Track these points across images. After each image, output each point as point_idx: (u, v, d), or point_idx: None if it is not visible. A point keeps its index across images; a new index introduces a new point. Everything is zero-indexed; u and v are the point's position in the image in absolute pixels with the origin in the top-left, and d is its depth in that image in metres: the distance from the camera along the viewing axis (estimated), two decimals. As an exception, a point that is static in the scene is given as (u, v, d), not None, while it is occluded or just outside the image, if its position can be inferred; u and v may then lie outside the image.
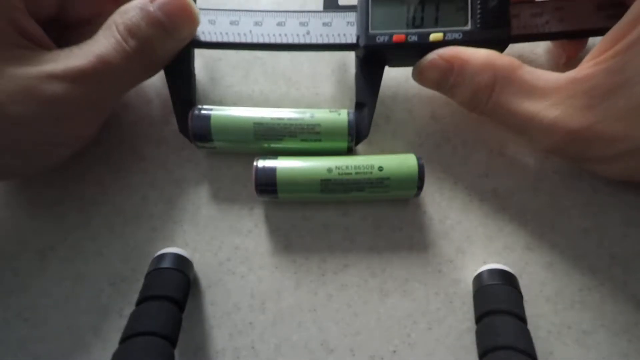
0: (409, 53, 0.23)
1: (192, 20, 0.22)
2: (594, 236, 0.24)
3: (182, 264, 0.22)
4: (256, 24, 0.23)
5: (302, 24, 0.23)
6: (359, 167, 0.22)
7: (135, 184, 0.25)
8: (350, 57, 0.28)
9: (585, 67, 0.19)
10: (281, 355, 0.22)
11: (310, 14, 0.23)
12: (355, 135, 0.23)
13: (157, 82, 0.26)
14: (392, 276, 0.24)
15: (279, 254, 0.24)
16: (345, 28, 0.23)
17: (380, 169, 0.22)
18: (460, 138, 0.26)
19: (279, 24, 0.23)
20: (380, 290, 0.23)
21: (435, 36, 0.22)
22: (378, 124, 0.26)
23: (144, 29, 0.21)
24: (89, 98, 0.21)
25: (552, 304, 0.23)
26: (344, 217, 0.24)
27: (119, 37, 0.20)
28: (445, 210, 0.24)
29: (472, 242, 0.24)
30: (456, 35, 0.22)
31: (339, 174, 0.22)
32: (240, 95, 0.27)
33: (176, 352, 0.19)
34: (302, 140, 0.23)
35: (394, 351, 0.22)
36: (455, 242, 0.24)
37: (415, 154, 0.23)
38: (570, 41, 0.24)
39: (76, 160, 0.25)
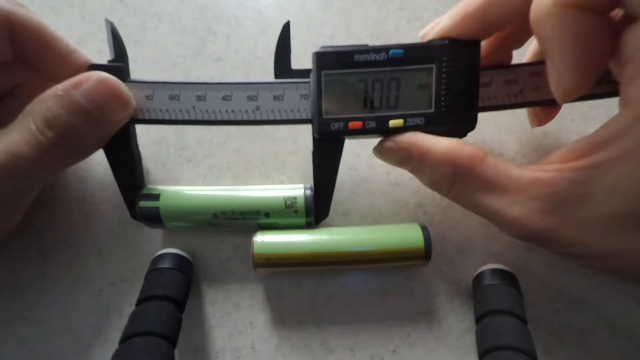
0: (369, 136, 0.21)
1: (123, 105, 0.20)
2: (594, 236, 0.24)
3: (182, 264, 0.22)
4: (199, 98, 0.21)
5: (250, 98, 0.21)
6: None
7: (135, 184, 0.25)
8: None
9: (550, 170, 0.18)
10: (281, 355, 0.22)
11: (259, 86, 0.21)
12: (314, 215, 0.22)
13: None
14: (392, 276, 0.24)
15: (279, 254, 0.24)
16: (298, 102, 0.21)
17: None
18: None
19: (224, 98, 0.21)
20: (380, 290, 0.23)
21: (394, 123, 0.20)
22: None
23: (65, 118, 0.19)
24: (1, 194, 0.19)
25: (552, 304, 0.23)
26: (344, 217, 0.24)
27: (34, 128, 0.18)
28: (445, 210, 0.24)
29: (472, 242, 0.24)
30: (418, 121, 0.20)
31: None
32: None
33: (176, 352, 0.19)
34: (259, 220, 0.22)
35: (394, 351, 0.22)
36: (455, 242, 0.24)
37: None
38: (544, 108, 0.23)
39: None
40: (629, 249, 0.17)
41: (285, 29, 0.22)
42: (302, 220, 0.22)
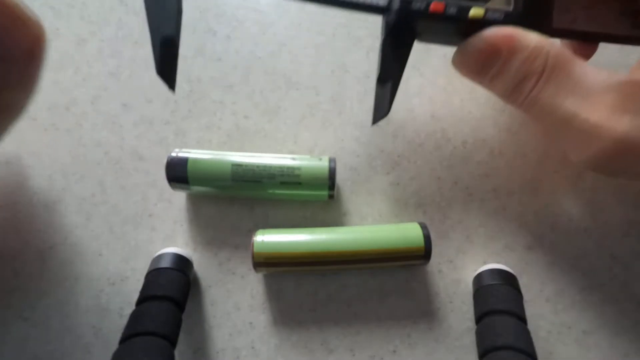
0: (444, 27, 0.20)
1: (19, 28, 0.16)
2: (594, 236, 0.24)
3: (182, 264, 0.22)
4: None
5: None
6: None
7: (135, 184, 0.25)
8: (351, 59, 0.28)
9: (636, 70, 0.17)
10: (281, 355, 0.22)
11: None
12: (375, 113, 0.22)
13: (158, 82, 0.26)
14: (392, 276, 0.24)
15: (279, 254, 0.24)
16: None
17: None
18: (460, 138, 0.26)
19: None
20: (380, 290, 0.23)
21: (475, 12, 0.19)
22: (379, 125, 0.26)
23: None
24: None
25: (552, 304, 0.23)
26: (344, 217, 0.24)
27: None
28: (445, 210, 0.24)
29: (472, 242, 0.24)
30: (497, 15, 0.20)
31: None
32: (240, 95, 0.27)
33: (176, 352, 0.19)
34: (282, 183, 0.22)
35: (394, 351, 0.22)
36: (455, 242, 0.24)
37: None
38: (581, 46, 0.23)
39: (76, 160, 0.25)
40: None
41: None
42: (325, 192, 0.23)
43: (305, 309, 0.23)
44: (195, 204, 0.25)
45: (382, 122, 0.26)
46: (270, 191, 0.23)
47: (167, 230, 0.24)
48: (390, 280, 0.23)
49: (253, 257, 0.21)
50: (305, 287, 0.23)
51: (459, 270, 0.23)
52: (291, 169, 0.22)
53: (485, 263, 0.23)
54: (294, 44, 0.28)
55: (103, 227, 0.24)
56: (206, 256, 0.24)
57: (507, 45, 0.19)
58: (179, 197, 0.25)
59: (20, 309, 0.23)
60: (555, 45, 0.18)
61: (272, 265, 0.21)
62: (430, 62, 0.27)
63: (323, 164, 0.23)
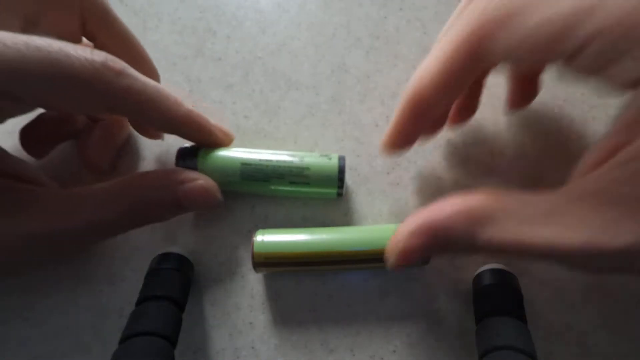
0: None
1: (212, 207, 0.22)
2: (594, 236, 0.24)
3: (182, 264, 0.22)
4: None
5: None
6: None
7: (135, 184, 0.25)
8: (351, 59, 0.28)
9: (592, 178, 0.16)
10: (281, 355, 0.22)
11: None
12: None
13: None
14: (392, 276, 0.24)
15: (279, 254, 0.24)
16: None
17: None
18: (461, 138, 0.26)
19: None
20: (380, 290, 0.23)
21: None
22: (378, 125, 0.26)
23: (161, 209, 0.20)
24: (63, 253, 0.21)
25: (552, 304, 0.23)
26: (344, 217, 0.24)
27: (127, 209, 0.20)
28: (445, 210, 0.24)
29: (472, 242, 0.24)
30: None
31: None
32: (240, 95, 0.27)
33: (176, 352, 0.19)
34: (291, 182, 0.22)
35: (394, 351, 0.22)
36: (455, 242, 0.24)
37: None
38: (523, 88, 0.23)
39: (76, 160, 0.25)
40: None
41: None
42: (334, 190, 0.23)
43: (305, 309, 0.23)
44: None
45: (382, 122, 0.26)
46: (279, 188, 0.23)
47: (167, 230, 0.24)
48: (390, 280, 0.23)
49: (253, 257, 0.21)
50: (305, 287, 0.23)
51: (459, 270, 0.23)
52: (300, 168, 0.22)
53: (485, 263, 0.23)
54: (294, 44, 0.28)
55: (103, 227, 0.24)
56: (206, 256, 0.24)
57: (432, 231, 0.17)
58: (179, 197, 0.25)
59: (20, 309, 0.23)
60: (472, 197, 0.17)
61: (272, 265, 0.21)
62: (430, 62, 0.27)
63: (332, 162, 0.23)
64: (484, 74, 0.22)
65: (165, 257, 0.22)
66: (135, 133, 0.25)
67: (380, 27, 0.28)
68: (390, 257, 0.19)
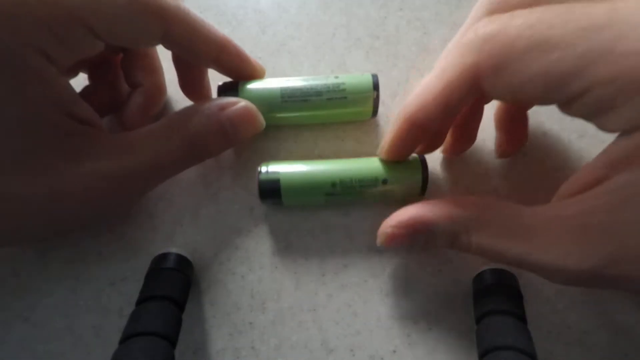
0: None
1: (256, 129, 0.22)
2: (594, 236, 0.24)
3: (182, 264, 0.22)
4: None
5: None
6: (362, 181, 0.22)
7: (135, 184, 0.25)
8: (351, 59, 0.28)
9: (570, 204, 0.17)
10: (281, 355, 0.22)
11: None
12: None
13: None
14: (392, 276, 0.24)
15: (279, 254, 0.24)
16: None
17: (385, 181, 0.22)
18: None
19: None
20: (380, 290, 0.23)
21: None
22: (379, 124, 0.26)
23: (207, 137, 0.21)
24: (132, 194, 0.21)
25: (552, 304, 0.23)
26: (344, 217, 0.24)
27: (179, 144, 0.20)
28: (445, 210, 0.24)
29: (472, 242, 0.24)
30: None
31: (342, 188, 0.22)
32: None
33: (176, 352, 0.19)
34: (328, 99, 0.23)
35: (394, 351, 0.22)
36: (455, 242, 0.24)
37: (420, 161, 0.23)
38: (513, 134, 0.24)
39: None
40: None
41: None
42: (369, 108, 0.24)
43: (305, 308, 0.23)
44: (195, 203, 0.25)
45: (382, 122, 0.26)
46: (317, 112, 0.24)
47: (167, 230, 0.24)
48: (390, 280, 0.23)
49: (259, 187, 0.22)
50: (305, 287, 0.23)
51: (459, 270, 0.23)
52: (337, 84, 0.24)
53: (485, 263, 0.23)
54: (294, 44, 0.28)
55: (103, 227, 0.24)
56: (206, 256, 0.24)
57: (419, 225, 0.20)
58: (179, 197, 0.25)
59: (20, 309, 0.23)
60: (465, 202, 0.19)
61: (278, 194, 0.22)
62: (430, 63, 0.27)
63: (366, 77, 0.24)
64: (483, 100, 0.22)
65: (165, 257, 0.22)
66: (171, 103, 0.26)
67: (380, 27, 0.28)
68: (379, 238, 0.21)
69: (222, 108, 0.21)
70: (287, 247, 0.24)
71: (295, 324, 0.23)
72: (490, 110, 0.26)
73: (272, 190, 0.22)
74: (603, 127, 0.16)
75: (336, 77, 0.24)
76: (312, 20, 0.28)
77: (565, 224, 0.17)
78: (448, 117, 0.20)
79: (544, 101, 0.17)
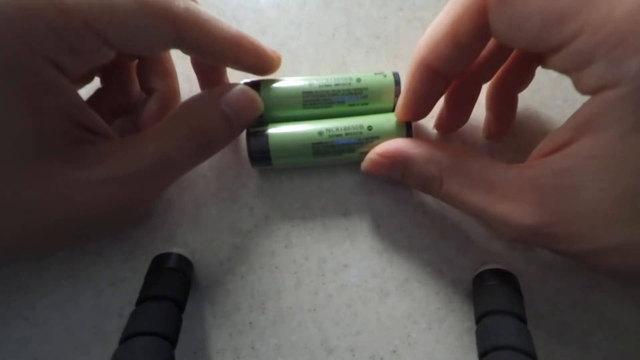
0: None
1: (256, 112, 0.22)
2: (594, 236, 0.24)
3: (183, 264, 0.22)
4: None
5: None
6: (348, 128, 0.23)
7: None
8: (351, 59, 0.28)
9: (533, 166, 0.18)
10: (281, 355, 0.22)
11: None
12: None
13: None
14: (392, 276, 0.24)
15: (279, 254, 0.24)
16: None
17: (370, 127, 0.23)
18: (461, 138, 0.26)
19: None
20: (380, 290, 0.23)
21: None
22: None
23: (210, 126, 0.21)
24: (145, 194, 0.21)
25: (552, 304, 0.23)
26: (344, 217, 0.24)
27: (184, 135, 0.20)
28: (446, 210, 0.24)
29: (472, 242, 0.24)
30: None
31: (329, 136, 0.23)
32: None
33: (176, 352, 0.19)
34: (350, 105, 0.24)
35: (394, 351, 0.22)
36: (455, 242, 0.24)
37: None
38: (500, 118, 0.24)
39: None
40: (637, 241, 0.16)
41: None
42: (391, 103, 0.24)
43: (305, 308, 0.23)
44: (195, 203, 0.25)
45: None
46: (340, 109, 0.24)
47: (167, 230, 0.24)
48: (390, 280, 0.23)
49: (248, 143, 0.23)
50: (305, 287, 0.23)
51: (459, 270, 0.23)
52: (358, 89, 0.24)
53: (485, 263, 0.23)
54: (294, 44, 0.28)
55: (103, 227, 0.24)
56: (206, 256, 0.24)
57: (401, 158, 0.21)
58: (180, 197, 0.25)
59: (20, 309, 0.23)
60: (448, 148, 0.21)
61: (266, 149, 0.23)
62: (430, 62, 0.27)
63: (388, 78, 0.24)
64: (478, 85, 0.23)
65: (165, 257, 0.22)
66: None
67: (380, 27, 0.28)
68: (364, 162, 0.22)
69: (220, 94, 0.21)
70: (287, 247, 0.24)
71: (295, 324, 0.23)
72: (483, 104, 0.26)
73: (260, 145, 0.23)
74: (578, 86, 0.17)
75: (358, 81, 0.24)
76: (312, 20, 0.28)
77: (522, 183, 0.18)
78: (460, 57, 0.19)
79: (537, 45, 0.17)
